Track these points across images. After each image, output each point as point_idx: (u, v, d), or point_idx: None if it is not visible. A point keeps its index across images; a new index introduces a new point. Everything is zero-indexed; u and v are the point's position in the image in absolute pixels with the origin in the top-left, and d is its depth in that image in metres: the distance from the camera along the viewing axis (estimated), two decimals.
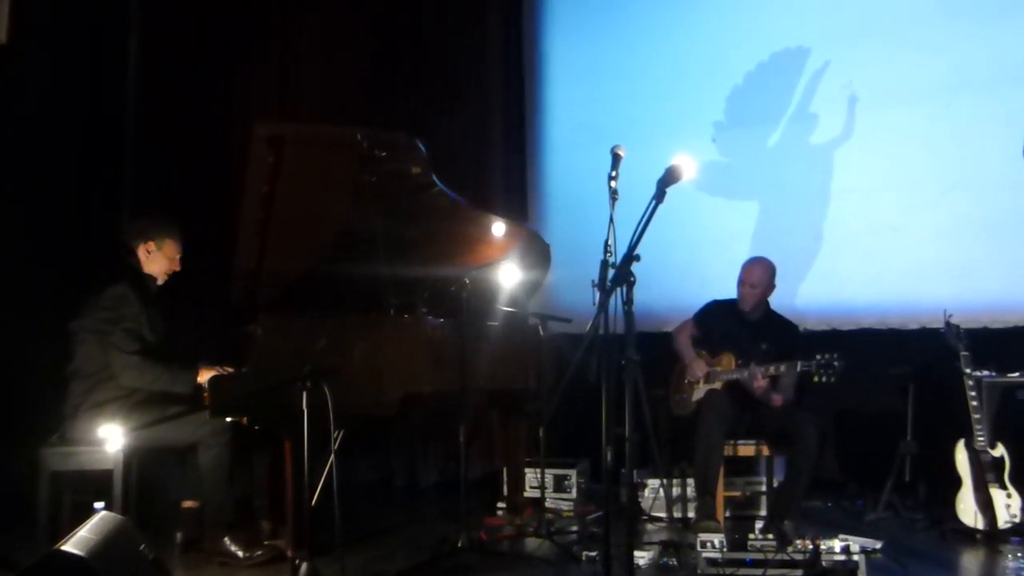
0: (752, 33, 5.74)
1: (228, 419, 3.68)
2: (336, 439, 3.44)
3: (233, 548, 3.72)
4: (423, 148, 3.71)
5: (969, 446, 4.11)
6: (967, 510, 4.05)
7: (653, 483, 4.68)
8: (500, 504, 4.82)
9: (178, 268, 4.03)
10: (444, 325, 3.89)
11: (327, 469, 3.67)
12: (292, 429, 3.23)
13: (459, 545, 3.82)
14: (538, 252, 4.50)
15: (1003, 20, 4.98)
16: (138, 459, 3.84)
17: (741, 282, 4.51)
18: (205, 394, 3.61)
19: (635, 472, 4.63)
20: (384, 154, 3.65)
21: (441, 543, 3.93)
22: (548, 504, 4.82)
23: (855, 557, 3.32)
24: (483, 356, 4.02)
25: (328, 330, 3.57)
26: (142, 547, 3.01)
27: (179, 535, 3.94)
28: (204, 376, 3.73)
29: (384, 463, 5.82)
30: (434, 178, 3.83)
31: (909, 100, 5.29)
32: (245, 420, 3.67)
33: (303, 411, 3.15)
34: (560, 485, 4.94)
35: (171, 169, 5.66)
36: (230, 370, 3.68)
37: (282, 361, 3.40)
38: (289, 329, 3.54)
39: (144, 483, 3.98)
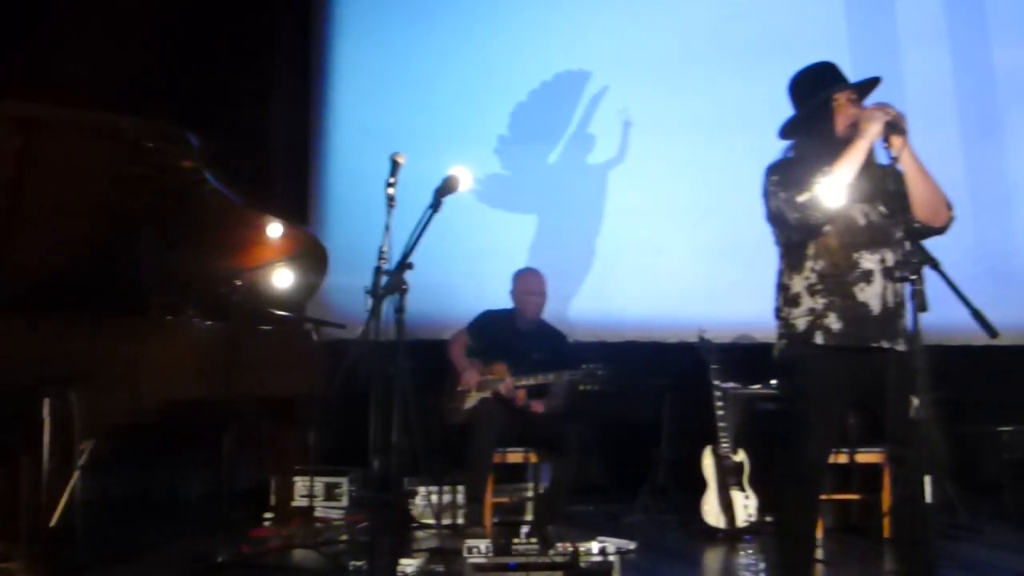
0: (537, 53, 5.95)
1: None
2: (84, 451, 3.19)
3: None
4: (195, 142, 3.53)
5: (715, 452, 4.45)
6: (711, 511, 4.38)
7: (424, 491, 4.70)
8: (267, 515, 4.66)
9: None
10: (211, 328, 3.71)
11: (71, 484, 3.39)
12: (28, 441, 2.96)
13: (219, 560, 3.65)
14: (316, 256, 4.41)
15: (757, 66, 5.48)
16: None
17: (527, 292, 4.63)
18: None
19: (406, 480, 4.65)
20: (152, 145, 3.44)
21: (199, 559, 3.74)
22: (319, 513, 4.72)
23: (611, 558, 3.49)
24: (253, 361, 3.87)
25: (78, 332, 3.30)
26: None
27: None
28: None
29: (142, 475, 5.44)
30: (207, 174, 3.65)
31: (677, 130, 5.71)
32: None
33: (43, 421, 2.89)
34: (331, 493, 4.85)
35: None
36: None
37: (20, 366, 3.10)
38: (31, 331, 3.23)
39: None
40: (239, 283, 3.84)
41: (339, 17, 6.24)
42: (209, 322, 3.73)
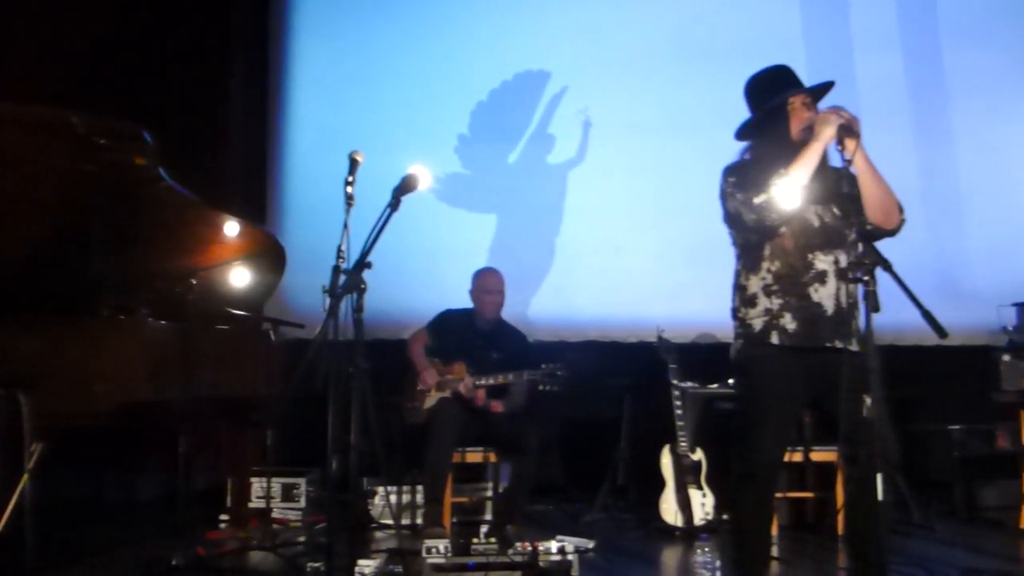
0: (498, 52, 5.95)
1: None
2: (34, 453, 3.12)
3: None
4: (149, 139, 3.47)
5: (673, 451, 4.49)
6: (669, 509, 4.42)
7: (383, 491, 4.68)
8: (223, 517, 4.60)
9: None
10: (167, 328, 3.66)
11: (20, 487, 3.31)
12: None
13: (174, 563, 3.59)
14: (273, 255, 4.36)
15: (715, 68, 5.55)
16: None
17: (485, 291, 4.63)
18: None
19: (365, 480, 4.63)
20: (104, 142, 3.37)
21: (154, 563, 3.68)
22: (276, 515, 4.67)
23: (569, 557, 3.51)
24: (208, 361, 3.83)
25: (28, 332, 3.23)
26: None
27: None
28: None
29: (95, 478, 5.34)
30: (161, 172, 3.59)
31: (636, 131, 5.75)
32: None
33: None
34: (289, 495, 4.80)
35: None
36: None
37: None
38: None
39: None
40: (195, 282, 3.77)
41: (297, 14, 6.17)
42: (164, 321, 3.67)
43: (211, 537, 4.30)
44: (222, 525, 4.54)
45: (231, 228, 4.02)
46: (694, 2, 5.92)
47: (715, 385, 4.78)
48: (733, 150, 3.01)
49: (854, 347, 2.73)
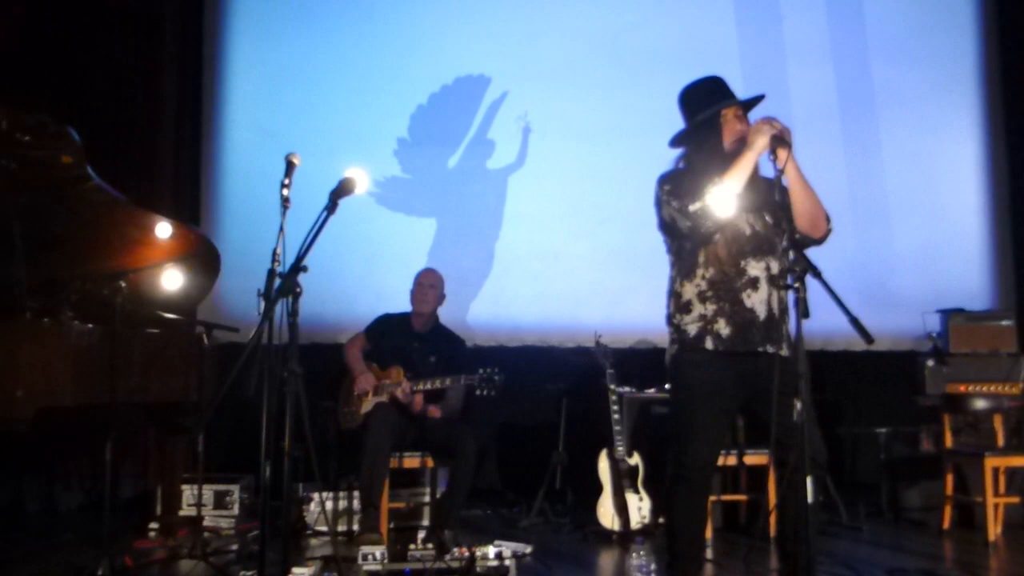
0: (438, 56, 5.94)
1: None
2: None
3: None
4: (76, 136, 3.38)
5: (610, 455, 4.52)
6: (606, 513, 4.44)
7: (318, 497, 4.61)
8: (152, 525, 4.48)
9: None
10: (93, 331, 3.55)
11: None
12: None
13: (99, 573, 3.48)
14: (207, 257, 4.27)
15: (654, 76, 5.63)
16: None
17: (418, 284, 4.60)
18: None
19: (300, 486, 4.56)
20: (28, 139, 3.28)
21: (78, 573, 3.56)
22: (208, 522, 4.57)
23: (507, 562, 3.52)
24: (138, 366, 3.74)
25: None
26: None
27: None
28: None
29: (16, 485, 5.16)
30: (88, 170, 3.50)
31: (575, 137, 5.80)
32: None
33: None
34: (221, 502, 4.70)
35: None
36: None
37: None
38: None
39: None
40: (123, 284, 3.67)
41: (232, 13, 6.06)
42: (90, 325, 3.57)
43: (139, 546, 4.19)
44: (151, 534, 4.43)
45: (163, 229, 3.94)
46: (632, 11, 6.01)
47: (652, 390, 4.83)
48: (668, 157, 3.05)
49: (784, 352, 2.79)
